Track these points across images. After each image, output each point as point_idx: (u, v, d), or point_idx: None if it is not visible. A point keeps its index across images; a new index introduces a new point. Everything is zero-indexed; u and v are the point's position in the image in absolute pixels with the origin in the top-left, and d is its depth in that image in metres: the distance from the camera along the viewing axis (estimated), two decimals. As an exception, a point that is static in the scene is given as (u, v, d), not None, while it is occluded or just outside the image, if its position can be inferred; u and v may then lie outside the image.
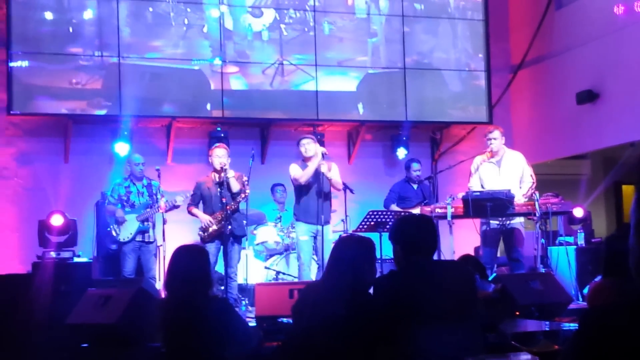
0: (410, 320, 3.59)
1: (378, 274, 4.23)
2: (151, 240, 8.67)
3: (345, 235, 4.90)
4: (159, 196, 8.70)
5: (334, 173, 8.34)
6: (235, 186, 8.06)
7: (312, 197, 8.26)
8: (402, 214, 8.58)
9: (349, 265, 3.84)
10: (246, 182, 8.19)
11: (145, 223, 8.62)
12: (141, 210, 8.62)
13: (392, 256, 8.62)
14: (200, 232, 8.17)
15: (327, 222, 8.36)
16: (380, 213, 8.55)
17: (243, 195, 8.13)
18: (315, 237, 8.27)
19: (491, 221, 8.21)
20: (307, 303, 3.93)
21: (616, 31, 10.19)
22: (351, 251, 3.91)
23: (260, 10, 10.91)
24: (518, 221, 8.43)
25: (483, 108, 11.60)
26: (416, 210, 8.75)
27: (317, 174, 8.22)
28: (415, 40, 11.50)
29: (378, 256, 8.60)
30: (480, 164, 8.64)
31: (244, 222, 8.51)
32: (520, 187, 8.45)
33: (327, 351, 3.66)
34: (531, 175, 8.50)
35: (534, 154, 10.60)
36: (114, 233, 8.60)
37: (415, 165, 9.69)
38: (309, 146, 8.27)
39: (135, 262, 8.61)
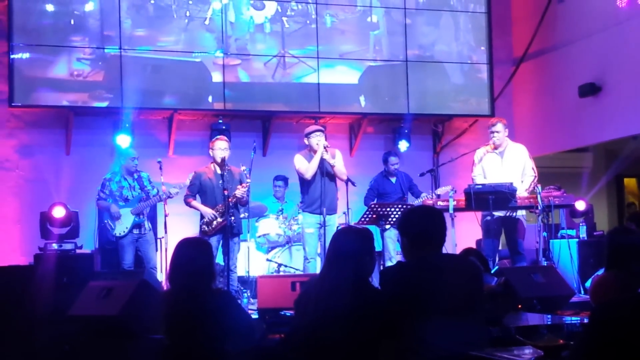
0: (417, 313, 3.58)
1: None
2: (146, 232, 8.62)
3: (343, 226, 4.87)
4: (150, 187, 8.64)
5: (338, 161, 8.31)
6: (243, 198, 8.05)
7: (317, 187, 8.23)
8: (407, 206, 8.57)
9: (349, 257, 3.83)
10: (246, 173, 8.15)
11: (141, 216, 8.56)
12: (135, 204, 8.56)
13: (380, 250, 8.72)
14: (204, 227, 8.05)
15: (334, 210, 8.34)
16: (381, 206, 8.54)
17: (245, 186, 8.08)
18: (320, 228, 8.24)
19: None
20: (310, 297, 3.92)
21: (619, 24, 10.17)
22: (351, 243, 3.89)
23: (262, 2, 10.89)
24: (520, 213, 8.42)
25: (485, 101, 11.58)
26: None
27: (322, 164, 8.20)
28: (417, 32, 11.48)
29: (378, 249, 8.70)
30: (484, 155, 8.62)
31: (245, 214, 8.52)
32: (522, 181, 8.43)
33: (332, 344, 3.66)
34: (533, 169, 8.49)
35: (536, 146, 10.59)
36: (109, 228, 8.54)
37: (393, 159, 9.66)
38: (320, 139, 8.23)
39: (133, 254, 8.55)
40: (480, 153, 8.68)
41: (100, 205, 8.66)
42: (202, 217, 8.15)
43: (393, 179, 9.59)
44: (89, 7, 10.23)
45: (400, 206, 8.48)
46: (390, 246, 8.88)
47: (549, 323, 5.00)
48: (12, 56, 9.78)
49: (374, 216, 8.40)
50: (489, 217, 8.26)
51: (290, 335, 4.10)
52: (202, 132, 10.69)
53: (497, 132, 8.51)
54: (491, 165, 8.53)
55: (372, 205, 8.53)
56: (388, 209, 8.44)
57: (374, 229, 8.44)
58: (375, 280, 4.02)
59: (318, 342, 3.69)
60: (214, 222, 8.00)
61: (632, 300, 1.64)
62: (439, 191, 9.43)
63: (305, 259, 8.29)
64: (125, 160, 8.71)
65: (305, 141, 8.38)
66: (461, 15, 11.67)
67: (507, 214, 8.34)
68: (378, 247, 8.64)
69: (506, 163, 8.50)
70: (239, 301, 7.27)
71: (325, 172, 8.21)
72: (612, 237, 4.86)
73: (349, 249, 3.85)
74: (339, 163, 8.31)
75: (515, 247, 8.41)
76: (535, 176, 8.43)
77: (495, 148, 8.56)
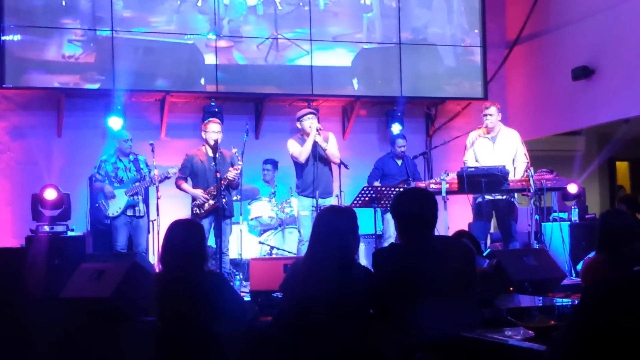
0: (409, 294, 3.58)
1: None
2: (142, 214, 8.62)
3: (327, 206, 4.86)
4: (146, 170, 8.66)
5: (331, 145, 8.29)
6: (235, 180, 8.03)
7: (310, 171, 8.21)
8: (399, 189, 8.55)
9: (334, 237, 3.84)
10: (237, 156, 8.11)
11: (135, 197, 8.56)
12: (130, 185, 8.55)
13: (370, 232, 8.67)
14: (196, 209, 8.04)
15: (330, 194, 8.33)
16: (374, 188, 8.53)
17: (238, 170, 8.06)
18: (315, 211, 8.22)
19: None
20: (297, 279, 3.92)
21: (613, 7, 10.15)
22: (335, 222, 3.91)
23: (255, -16, 10.83)
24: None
25: (478, 84, 11.56)
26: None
27: (315, 147, 8.18)
28: (411, 15, 11.43)
29: (371, 231, 8.69)
30: (476, 139, 8.61)
31: (238, 197, 8.50)
32: (514, 166, 8.42)
33: (321, 322, 3.66)
34: (525, 155, 8.48)
35: (528, 130, 10.59)
36: (102, 208, 8.54)
37: (400, 141, 9.71)
38: (313, 122, 8.20)
39: (126, 236, 8.56)
40: (473, 137, 8.66)
41: (96, 187, 8.67)
42: (193, 199, 8.13)
43: (399, 162, 9.63)
44: (81, -12, 10.16)
45: (395, 189, 8.46)
46: (390, 228, 8.88)
47: (540, 305, 5.01)
48: (3, 37, 9.71)
49: (367, 198, 8.36)
50: (480, 200, 8.26)
51: (279, 316, 4.11)
52: (195, 115, 10.65)
53: (490, 115, 8.48)
54: (483, 150, 8.52)
55: (365, 188, 8.51)
56: (381, 192, 8.41)
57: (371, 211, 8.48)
58: (367, 261, 4.04)
59: (307, 321, 3.69)
60: (206, 205, 7.98)
61: (622, 281, 1.65)
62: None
63: (300, 241, 8.29)
64: (119, 142, 8.74)
65: (298, 125, 8.35)
66: (454, -2, 11.63)
67: (499, 197, 8.34)
68: (377, 229, 8.63)
69: (498, 148, 8.49)
70: (231, 283, 7.26)
71: (318, 155, 8.19)
72: (604, 219, 4.87)
73: (333, 227, 3.88)
74: (331, 146, 8.29)
75: (507, 229, 8.42)
76: (528, 162, 8.42)
77: (488, 132, 8.54)
